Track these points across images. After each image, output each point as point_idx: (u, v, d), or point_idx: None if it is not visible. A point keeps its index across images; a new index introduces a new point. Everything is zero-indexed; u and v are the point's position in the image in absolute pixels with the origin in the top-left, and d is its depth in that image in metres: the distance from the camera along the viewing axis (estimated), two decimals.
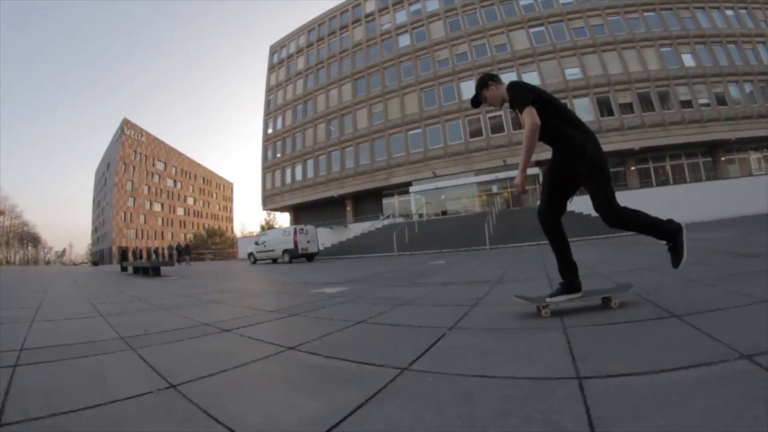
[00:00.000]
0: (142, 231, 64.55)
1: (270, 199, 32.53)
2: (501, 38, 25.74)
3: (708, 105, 23.24)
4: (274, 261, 17.74)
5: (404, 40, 27.96)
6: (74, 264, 66.48)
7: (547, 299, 2.16)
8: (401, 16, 28.62)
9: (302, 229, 17.00)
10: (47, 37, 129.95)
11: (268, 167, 33.01)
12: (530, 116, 1.97)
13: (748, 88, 23.44)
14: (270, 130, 33.60)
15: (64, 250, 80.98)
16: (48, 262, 71.06)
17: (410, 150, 25.91)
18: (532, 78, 24.68)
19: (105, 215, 64.52)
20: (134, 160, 64.47)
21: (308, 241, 16.81)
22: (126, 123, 64.13)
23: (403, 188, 26.46)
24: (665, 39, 24.15)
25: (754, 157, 24.23)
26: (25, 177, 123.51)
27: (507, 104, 2.21)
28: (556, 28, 25.19)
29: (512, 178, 23.80)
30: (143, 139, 67.12)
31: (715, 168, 23.77)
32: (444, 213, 25.21)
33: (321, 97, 30.37)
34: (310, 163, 30.04)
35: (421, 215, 23.97)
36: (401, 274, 6.11)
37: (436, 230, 19.33)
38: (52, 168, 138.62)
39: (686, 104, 23.34)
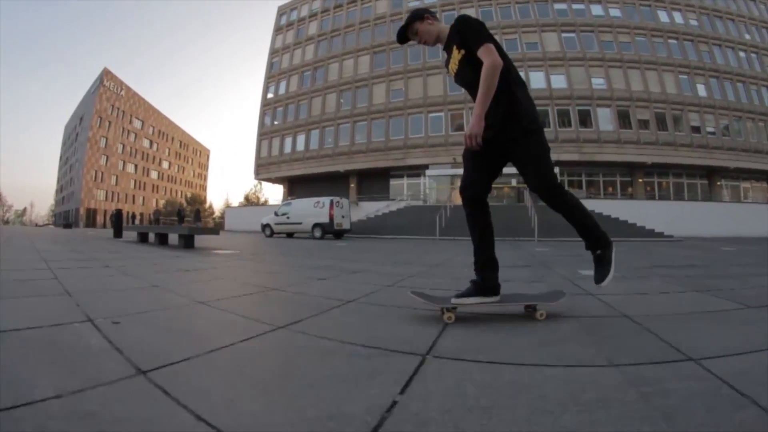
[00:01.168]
0: (112, 193, 58.84)
1: (264, 168, 29.49)
2: (533, 36, 25.44)
3: (714, 134, 24.47)
4: (290, 235, 15.48)
5: None
6: (37, 225, 59.33)
7: (454, 300, 1.74)
8: None
9: (338, 201, 14.81)
10: None
11: (264, 134, 29.98)
12: (490, 54, 1.60)
13: (749, 124, 25.00)
14: (270, 95, 30.68)
15: (24, 209, 74.68)
16: (6, 222, 64.93)
17: (430, 132, 24.56)
18: (559, 81, 24.66)
19: (73, 173, 58.76)
20: (110, 115, 58.73)
21: (342, 216, 14.73)
22: (106, 73, 58.35)
23: (414, 170, 25.02)
24: (684, 67, 25.18)
25: (744, 186, 25.88)
26: None
27: (441, 44, 1.84)
28: (587, 37, 25.38)
29: None
30: (122, 93, 61.59)
31: (710, 191, 25.06)
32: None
33: (334, 65, 28.17)
34: (315, 133, 27.61)
35: (442, 202, 22.63)
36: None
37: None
38: (14, 119, 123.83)
39: (695, 129, 24.40)
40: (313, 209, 14.92)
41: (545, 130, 1.78)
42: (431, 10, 2.00)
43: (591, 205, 19.24)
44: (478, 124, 1.59)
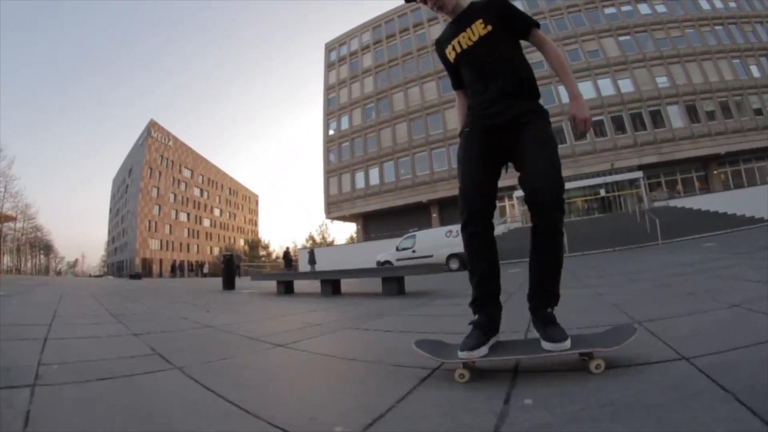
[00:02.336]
0: (167, 242, 58.94)
1: (336, 206, 29.89)
2: (593, 44, 26.26)
3: None
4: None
5: None
6: (91, 276, 58.79)
7: (463, 354, 1.26)
8: None
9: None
10: (65, 37, 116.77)
11: (332, 171, 30.33)
12: (544, 38, 1.51)
13: None
14: (332, 131, 30.95)
15: (76, 261, 74.85)
16: (59, 273, 65.10)
17: None
18: (626, 85, 25.61)
19: (126, 224, 59.42)
20: (160, 165, 59.69)
21: None
22: (153, 125, 59.24)
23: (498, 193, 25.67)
24: (734, 51, 26.28)
25: None
26: (37, 184, 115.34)
27: (448, 16, 1.55)
28: (642, 38, 26.32)
29: (620, 182, 24.44)
30: (170, 143, 62.60)
31: None
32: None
33: (398, 95, 28.64)
34: (388, 166, 28.11)
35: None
36: None
37: (585, 231, 18.88)
38: (64, 176, 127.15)
39: (757, 112, 25.58)
40: (445, 239, 14.50)
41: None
42: None
43: (690, 203, 20.24)
44: (584, 104, 1.37)
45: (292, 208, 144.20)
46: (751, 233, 10.81)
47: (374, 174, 28.48)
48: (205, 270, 35.23)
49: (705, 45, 26.23)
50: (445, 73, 1.69)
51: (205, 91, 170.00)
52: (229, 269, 9.23)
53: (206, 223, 69.53)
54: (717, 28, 26.87)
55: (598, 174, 24.14)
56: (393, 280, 5.12)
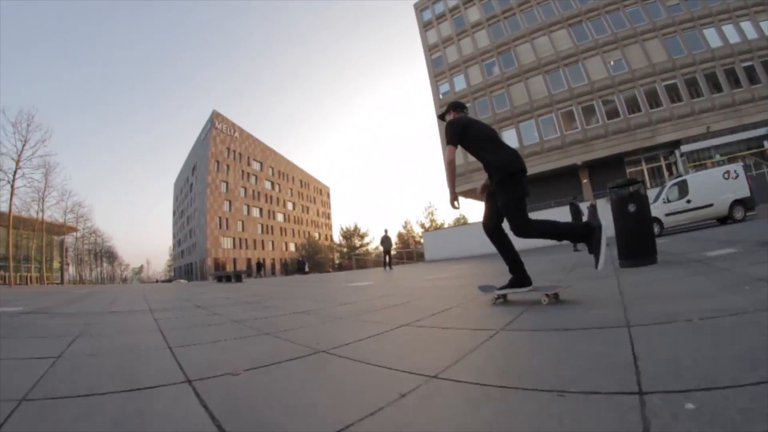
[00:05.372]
0: (240, 240, 54.15)
1: (464, 178, 24.98)
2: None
3: None
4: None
5: None
6: (158, 281, 57.49)
7: (497, 291, 2.62)
8: None
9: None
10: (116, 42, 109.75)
11: None
12: (448, 153, 2.67)
13: None
14: (444, 94, 26.29)
15: (141, 267, 75.99)
16: (125, 280, 66.89)
17: (671, 103, 22.87)
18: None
19: (193, 224, 56.32)
20: (228, 158, 55.29)
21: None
22: (216, 115, 54.64)
23: (651, 152, 23.01)
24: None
25: None
26: (95, 194, 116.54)
27: None
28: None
29: None
30: (236, 135, 58.11)
31: None
32: None
33: (523, 47, 25.05)
34: (527, 125, 24.18)
35: None
36: None
37: None
38: (123, 186, 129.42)
39: None
40: (725, 182, 11.33)
41: None
42: (457, 103, 2.84)
43: None
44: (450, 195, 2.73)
45: (389, 190, 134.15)
46: None
47: (510, 136, 24.30)
48: (306, 269, 28.53)
49: None
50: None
51: (264, 79, 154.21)
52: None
53: (279, 217, 65.28)
54: None
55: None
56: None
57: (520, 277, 2.48)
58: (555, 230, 2.28)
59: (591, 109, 23.48)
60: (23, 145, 23.76)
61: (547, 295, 2.30)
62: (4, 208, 23.68)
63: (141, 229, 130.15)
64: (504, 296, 2.56)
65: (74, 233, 41.25)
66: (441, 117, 2.82)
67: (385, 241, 16.24)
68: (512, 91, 24.83)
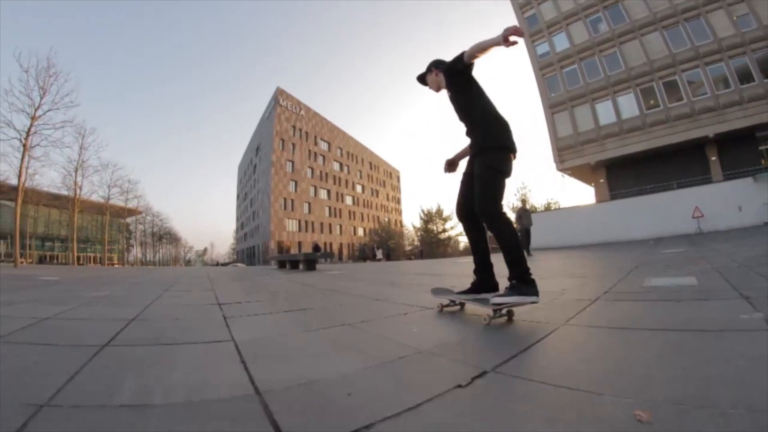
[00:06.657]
0: (306, 222, 51.92)
1: (573, 152, 21.22)
2: None
3: None
4: None
5: None
6: (218, 263, 55.04)
7: (455, 295, 2.22)
8: None
9: None
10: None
11: (557, 105, 21.61)
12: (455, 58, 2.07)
13: None
14: (543, 55, 22.37)
15: (204, 249, 76.77)
16: (188, 262, 67.93)
17: None
18: None
19: (256, 205, 54.98)
20: (293, 137, 53.14)
21: None
22: (280, 93, 52.29)
23: None
24: None
25: None
26: (155, 182, 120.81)
27: (444, 90, 2.22)
28: None
29: None
30: (302, 113, 55.61)
31: None
32: None
33: (632, 1, 21.73)
34: (646, 89, 20.74)
35: None
36: None
37: None
38: (191, 173, 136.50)
39: None
40: None
41: None
42: (439, 60, 2.25)
43: None
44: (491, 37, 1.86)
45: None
46: None
47: (626, 102, 20.75)
48: (379, 256, 24.13)
49: None
50: None
51: (332, 60, 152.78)
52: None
53: (348, 200, 62.64)
54: None
55: None
56: None
57: (486, 280, 2.12)
58: (513, 248, 1.88)
59: (719, 70, 20.38)
60: (41, 98, 18.02)
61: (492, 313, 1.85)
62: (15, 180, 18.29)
63: (206, 213, 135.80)
64: (462, 304, 2.21)
65: (137, 215, 40.44)
66: (422, 79, 2.31)
67: (524, 215, 11.95)
68: (624, 50, 21.33)
